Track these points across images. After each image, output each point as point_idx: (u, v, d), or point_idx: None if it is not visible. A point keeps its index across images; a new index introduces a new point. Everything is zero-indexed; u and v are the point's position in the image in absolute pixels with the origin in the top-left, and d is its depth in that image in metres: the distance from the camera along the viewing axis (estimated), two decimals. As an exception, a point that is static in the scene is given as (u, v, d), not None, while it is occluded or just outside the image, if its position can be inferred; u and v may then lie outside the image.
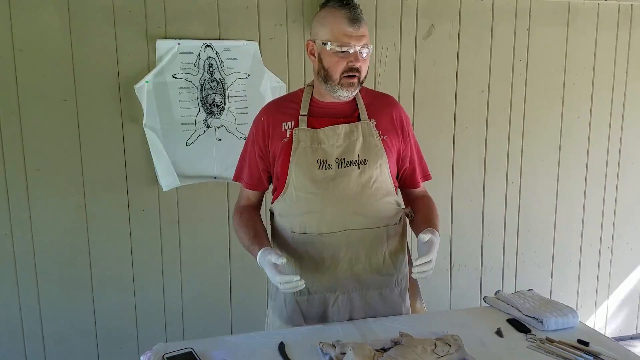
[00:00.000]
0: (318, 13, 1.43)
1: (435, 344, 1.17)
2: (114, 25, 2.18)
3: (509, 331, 1.38)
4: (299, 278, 1.31)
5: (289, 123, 1.46)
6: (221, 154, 2.34)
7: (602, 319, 3.03)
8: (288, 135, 1.44)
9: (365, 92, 1.52)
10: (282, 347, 1.28)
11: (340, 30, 1.36)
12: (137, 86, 2.19)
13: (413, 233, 1.55)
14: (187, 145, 2.32)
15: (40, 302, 2.29)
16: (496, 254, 2.81)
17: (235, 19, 2.29)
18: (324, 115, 1.46)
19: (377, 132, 1.46)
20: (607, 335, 2.84)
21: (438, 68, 2.57)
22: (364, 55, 1.39)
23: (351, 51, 1.37)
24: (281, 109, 1.50)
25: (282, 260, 1.31)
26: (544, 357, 1.24)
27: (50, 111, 2.18)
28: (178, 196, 2.37)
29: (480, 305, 1.60)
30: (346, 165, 1.43)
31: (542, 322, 1.38)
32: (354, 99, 1.48)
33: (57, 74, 2.16)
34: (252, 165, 1.53)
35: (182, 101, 2.29)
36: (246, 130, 2.31)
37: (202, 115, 2.32)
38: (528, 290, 1.60)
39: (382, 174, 1.46)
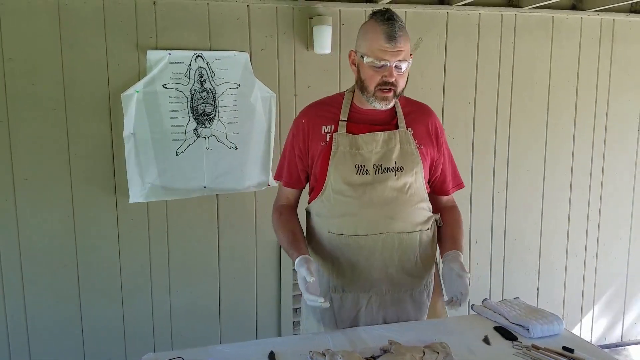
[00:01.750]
0: (363, 25, 1.48)
1: (424, 352, 1.18)
2: (105, 35, 2.19)
3: (496, 338, 1.40)
4: (323, 300, 1.34)
5: (328, 127, 1.51)
6: (211, 163, 2.35)
7: (588, 327, 3.07)
8: (328, 139, 1.49)
9: (404, 100, 1.57)
10: (272, 356, 1.28)
11: (377, 45, 1.39)
12: (124, 94, 2.20)
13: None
14: (177, 155, 2.33)
15: (26, 313, 2.27)
16: (484, 263, 2.85)
17: (226, 30, 2.31)
18: (362, 122, 1.51)
19: (413, 140, 1.51)
20: (592, 342, 2.88)
21: (425, 80, 2.61)
22: (403, 69, 1.43)
23: (387, 65, 1.40)
24: (321, 113, 1.54)
25: (310, 279, 1.35)
26: (530, 364, 1.26)
27: (39, 120, 2.18)
28: (167, 205, 2.37)
29: (468, 313, 1.62)
30: (383, 171, 1.48)
31: (528, 329, 1.40)
32: (393, 106, 1.52)
33: (47, 83, 2.16)
34: (292, 165, 1.57)
35: (172, 111, 2.30)
36: (236, 139, 2.35)
37: (192, 124, 2.33)
38: (514, 299, 1.62)
39: (417, 181, 1.51)
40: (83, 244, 2.29)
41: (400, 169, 1.49)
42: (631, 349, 3.11)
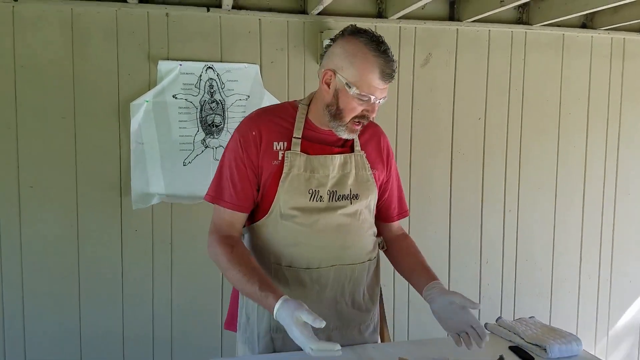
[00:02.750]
0: (347, 44, 1.27)
1: (438, 369, 1.13)
2: (117, 45, 2.19)
3: (511, 358, 1.34)
4: (339, 348, 1.10)
5: (280, 144, 1.33)
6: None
7: (603, 352, 2.98)
8: (280, 158, 1.32)
9: None
10: (278, 371, 1.23)
11: (370, 80, 1.24)
12: (133, 103, 2.19)
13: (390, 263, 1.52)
14: (184, 165, 2.31)
15: (24, 320, 2.22)
16: (495, 283, 2.78)
17: (237, 42, 2.31)
18: (318, 141, 1.37)
19: (368, 165, 1.40)
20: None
21: (435, 95, 2.59)
22: (381, 103, 1.31)
23: (372, 101, 1.27)
24: (272, 126, 1.35)
25: (321, 324, 1.10)
26: (548, 385, 1.20)
27: (48, 128, 2.17)
28: (172, 216, 2.34)
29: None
30: (338, 198, 1.36)
31: (545, 349, 1.34)
32: None
33: (57, 91, 2.16)
34: (244, 184, 1.33)
35: (181, 121, 2.29)
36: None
37: (201, 135, 2.31)
38: (530, 318, 1.56)
39: (368, 206, 1.41)
40: (85, 253, 2.26)
41: (356, 197, 1.37)
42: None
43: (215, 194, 1.35)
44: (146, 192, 2.25)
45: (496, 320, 1.53)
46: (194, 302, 2.39)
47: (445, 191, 2.65)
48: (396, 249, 1.51)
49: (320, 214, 1.34)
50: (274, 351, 1.36)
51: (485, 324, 1.54)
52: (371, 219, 1.44)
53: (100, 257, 2.28)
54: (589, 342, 2.93)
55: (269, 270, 1.35)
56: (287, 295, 1.19)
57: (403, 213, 1.55)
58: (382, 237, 1.52)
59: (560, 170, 2.81)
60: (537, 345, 1.37)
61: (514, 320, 1.53)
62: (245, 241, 1.41)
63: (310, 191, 1.33)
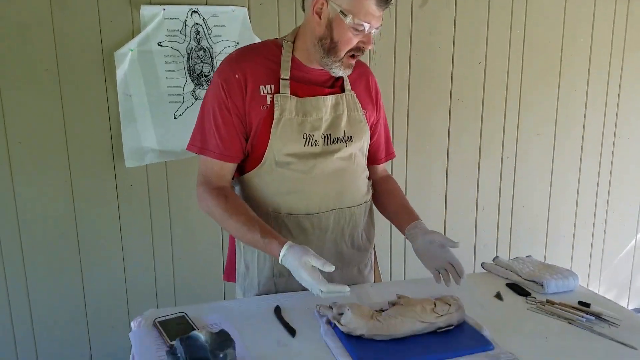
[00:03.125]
0: None
1: (435, 304, 1.13)
2: (97, -10, 2.09)
3: (509, 295, 1.35)
4: (348, 289, 1.11)
5: (267, 87, 1.25)
6: (211, 126, 2.27)
7: (595, 295, 3.03)
8: (269, 102, 1.25)
9: None
10: (278, 311, 1.23)
11: (367, 6, 1.17)
12: (117, 52, 2.11)
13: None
14: (175, 118, 2.25)
15: (26, 279, 2.22)
16: (490, 230, 2.79)
17: (224, -16, 2.21)
18: (307, 82, 1.29)
19: (359, 105, 1.36)
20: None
21: (434, 38, 2.51)
22: (375, 34, 1.24)
23: (367, 31, 1.21)
24: (257, 67, 1.26)
25: (330, 268, 1.09)
26: (544, 319, 1.21)
27: (31, 81, 2.09)
28: (167, 170, 2.30)
29: (474, 271, 1.56)
30: (333, 142, 1.32)
31: (542, 285, 1.35)
32: None
33: (38, 43, 2.07)
34: (229, 132, 1.26)
35: (168, 71, 2.21)
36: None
37: (190, 86, 2.24)
38: (527, 257, 1.57)
39: (362, 149, 1.39)
40: (82, 210, 2.23)
41: (350, 139, 1.34)
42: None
43: (201, 145, 1.28)
44: (138, 148, 2.20)
45: (493, 260, 1.53)
46: (194, 254, 2.39)
47: (444, 137, 2.61)
48: (380, 191, 1.50)
49: (317, 159, 1.30)
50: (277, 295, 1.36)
51: (482, 264, 1.54)
52: (364, 162, 1.43)
53: (96, 212, 2.25)
54: (581, 284, 2.98)
55: (268, 219, 1.32)
56: (291, 241, 1.18)
57: (390, 155, 1.53)
58: (370, 181, 1.50)
59: (560, 115, 2.77)
60: (534, 281, 1.37)
61: (511, 259, 1.53)
62: (244, 191, 1.37)
63: (305, 136, 1.28)
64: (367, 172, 1.45)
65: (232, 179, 1.36)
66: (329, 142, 1.32)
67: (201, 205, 1.30)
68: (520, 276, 1.41)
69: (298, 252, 1.14)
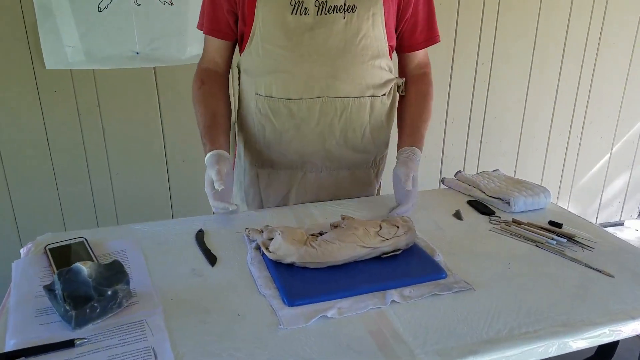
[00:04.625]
0: None
1: (381, 226, 0.96)
2: None
3: (470, 213, 1.19)
4: (234, 207, 1.11)
5: None
6: (142, 23, 1.95)
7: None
8: None
9: None
10: (200, 235, 1.05)
11: None
12: None
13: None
14: (100, 11, 1.92)
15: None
16: (459, 143, 2.62)
17: None
18: None
19: None
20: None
21: None
22: None
23: None
24: None
25: (219, 187, 1.06)
26: (508, 241, 1.06)
27: None
28: (95, 76, 2.01)
29: (439, 187, 1.40)
30: (328, 11, 1.11)
31: (508, 202, 1.19)
32: None
33: None
34: (215, 6, 1.18)
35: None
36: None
37: (117, -27, 1.90)
38: (494, 171, 1.40)
39: (375, 27, 1.14)
40: (2, 120, 1.96)
41: (352, 8, 1.11)
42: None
43: (200, 20, 1.24)
44: (59, 46, 1.89)
45: (455, 175, 1.36)
46: (134, 171, 2.17)
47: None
48: (405, 95, 1.28)
49: (305, 34, 1.11)
50: (259, 189, 1.30)
51: (443, 179, 1.37)
52: (381, 46, 1.17)
53: (19, 121, 1.99)
54: (552, 197, 2.90)
55: (252, 102, 1.21)
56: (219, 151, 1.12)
57: (432, 38, 1.26)
58: (403, 80, 1.27)
59: (542, 18, 2.50)
60: (499, 198, 1.21)
61: (475, 174, 1.36)
62: (241, 75, 1.27)
63: (293, 2, 1.10)
64: (385, 61, 1.20)
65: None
66: (322, 11, 1.11)
67: (192, 88, 1.26)
68: (485, 192, 1.25)
69: (210, 161, 1.11)
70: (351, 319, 0.79)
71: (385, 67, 1.21)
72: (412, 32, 1.24)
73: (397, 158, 1.21)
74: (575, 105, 2.75)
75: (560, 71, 2.65)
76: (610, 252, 1.01)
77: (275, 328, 0.76)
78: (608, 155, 2.94)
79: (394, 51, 1.27)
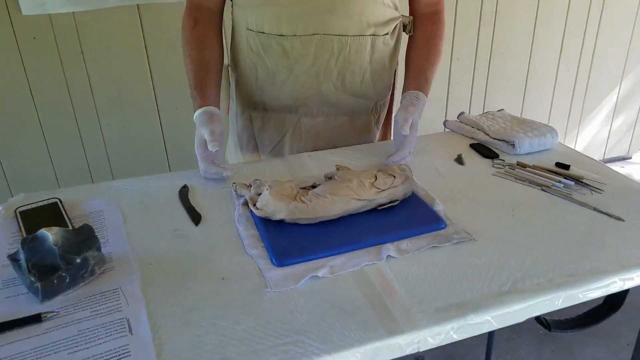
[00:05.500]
0: None
1: (376, 176, 0.89)
2: None
3: (472, 157, 1.11)
4: (229, 174, 1.02)
5: None
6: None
7: (572, 142, 2.88)
8: None
9: None
10: (184, 192, 0.99)
11: None
12: None
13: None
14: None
15: None
16: (465, 81, 2.50)
17: None
18: None
19: None
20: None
21: None
22: None
23: None
24: None
25: (214, 148, 0.97)
26: (513, 186, 0.99)
27: None
28: (76, 19, 1.89)
29: (444, 130, 1.31)
30: None
31: (513, 144, 1.11)
32: None
33: None
34: None
35: None
36: None
37: None
38: (498, 111, 1.31)
39: None
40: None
41: None
42: (612, 165, 2.97)
43: None
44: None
45: (457, 117, 1.27)
46: (126, 121, 2.09)
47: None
48: (414, 36, 1.18)
49: None
50: (253, 133, 1.23)
51: (445, 122, 1.28)
52: None
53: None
54: (559, 134, 2.81)
55: (243, 38, 1.11)
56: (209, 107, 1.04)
57: None
58: (411, 18, 1.17)
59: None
60: (503, 140, 1.13)
61: (479, 115, 1.27)
62: (232, 7, 1.16)
63: None
64: None
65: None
66: None
67: (182, 27, 1.13)
68: (488, 134, 1.16)
69: (202, 120, 1.02)
70: (344, 278, 0.74)
71: (389, 4, 1.10)
72: None
73: (401, 102, 1.12)
74: (584, 38, 2.60)
75: (569, 3, 2.48)
76: (620, 194, 0.95)
77: (262, 291, 0.71)
78: (617, 89, 2.81)
79: None
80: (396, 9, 1.13)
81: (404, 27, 1.18)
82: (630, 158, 3.07)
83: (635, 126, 2.98)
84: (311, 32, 1.06)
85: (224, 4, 1.15)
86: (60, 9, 1.83)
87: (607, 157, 3.02)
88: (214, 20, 1.13)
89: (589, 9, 2.53)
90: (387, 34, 1.12)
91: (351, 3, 1.04)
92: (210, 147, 0.97)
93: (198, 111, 1.04)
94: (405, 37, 1.20)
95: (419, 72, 1.14)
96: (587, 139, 2.91)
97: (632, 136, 3.01)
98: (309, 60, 1.09)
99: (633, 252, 0.78)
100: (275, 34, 1.07)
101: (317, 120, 1.19)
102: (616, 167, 2.95)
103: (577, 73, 2.68)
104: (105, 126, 2.08)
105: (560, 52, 2.60)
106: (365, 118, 1.22)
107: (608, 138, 2.95)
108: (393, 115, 1.27)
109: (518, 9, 2.41)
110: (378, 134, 1.28)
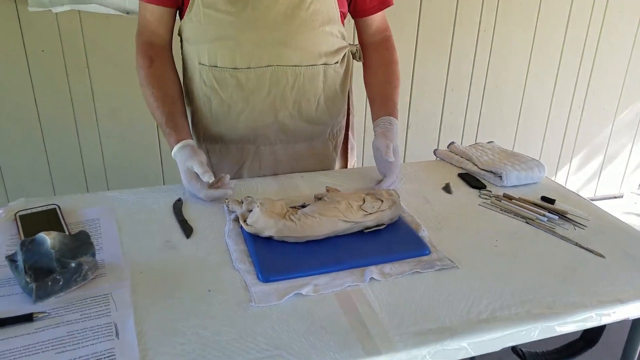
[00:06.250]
0: None
1: (364, 200, 0.92)
2: None
3: (460, 187, 1.15)
4: (232, 193, 1.04)
5: None
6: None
7: (563, 179, 2.92)
8: None
9: None
10: (178, 205, 1.01)
11: None
12: None
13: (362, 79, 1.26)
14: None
15: None
16: (458, 112, 2.56)
17: None
18: None
19: None
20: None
21: None
22: None
23: None
24: None
25: (210, 178, 1.00)
26: (498, 217, 1.02)
27: None
28: (84, 34, 1.94)
29: (436, 158, 1.35)
30: None
31: (500, 176, 1.14)
32: None
33: None
34: None
35: None
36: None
37: None
38: (488, 143, 1.35)
39: None
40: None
41: None
42: (601, 203, 3.01)
43: None
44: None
45: (447, 146, 1.31)
46: (125, 134, 2.12)
47: (414, 6, 2.26)
48: (368, 62, 1.24)
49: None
50: (211, 165, 1.23)
51: (435, 151, 1.32)
52: (332, 12, 1.12)
53: (6, 81, 1.93)
54: (550, 171, 2.86)
55: (196, 72, 1.14)
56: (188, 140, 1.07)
57: (385, 2, 1.21)
58: (357, 46, 1.23)
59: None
60: (491, 172, 1.17)
61: (469, 145, 1.31)
62: (182, 43, 1.18)
63: None
64: (338, 29, 1.15)
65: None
66: None
67: (136, 63, 1.15)
68: (477, 165, 1.20)
69: (186, 154, 1.04)
70: (326, 297, 0.76)
71: (337, 34, 1.15)
72: None
73: (375, 130, 1.17)
74: (578, 75, 2.67)
75: (564, 39, 2.55)
76: (603, 231, 0.98)
77: (247, 305, 0.73)
78: (610, 127, 2.87)
79: (346, 18, 1.21)
80: (344, 38, 1.18)
81: (353, 55, 1.24)
82: (621, 197, 3.12)
83: (627, 165, 3.03)
84: (265, 64, 1.10)
85: (172, 38, 1.17)
86: (65, 7, 1.87)
87: (598, 194, 3.06)
88: (167, 56, 1.15)
89: (584, 46, 2.60)
90: (337, 62, 1.18)
91: (303, 35, 1.09)
92: (205, 179, 0.99)
93: (177, 146, 1.06)
94: (355, 64, 1.26)
95: (385, 98, 1.20)
96: (579, 175, 2.96)
97: (624, 175, 3.06)
98: (264, 91, 1.13)
99: (611, 289, 0.81)
100: (229, 67, 1.10)
101: (275, 148, 1.23)
102: (607, 204, 2.99)
103: (570, 109, 2.74)
104: (104, 139, 2.11)
105: (554, 88, 2.66)
106: (323, 144, 1.27)
107: (600, 176, 3.00)
108: (350, 139, 1.34)
109: (513, 44, 2.48)
110: (338, 160, 1.32)
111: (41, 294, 0.69)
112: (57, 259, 0.71)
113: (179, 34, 1.18)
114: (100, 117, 2.08)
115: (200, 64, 1.13)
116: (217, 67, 1.11)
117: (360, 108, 1.25)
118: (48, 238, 0.72)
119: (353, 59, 1.25)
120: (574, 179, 2.95)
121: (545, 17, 2.46)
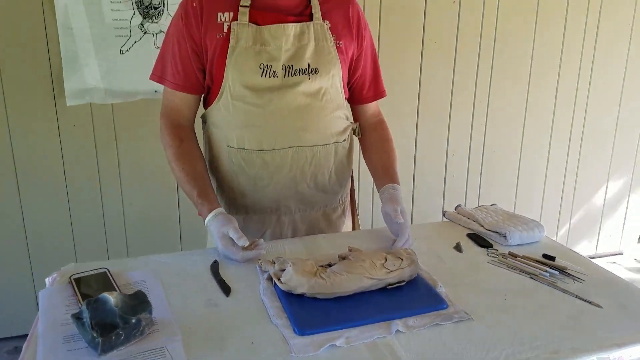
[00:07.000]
0: None
1: (386, 258, 1.02)
2: None
3: (469, 246, 1.25)
4: (264, 253, 1.14)
5: (226, 14, 1.19)
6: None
7: (564, 240, 3.02)
8: (225, 30, 1.19)
9: None
10: (215, 266, 1.11)
11: None
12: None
13: (361, 151, 1.44)
14: (122, 54, 2.05)
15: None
16: (460, 176, 2.70)
17: None
18: (269, 9, 1.21)
19: (331, 36, 1.24)
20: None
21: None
22: None
23: None
24: None
25: (245, 243, 1.11)
26: (505, 273, 1.12)
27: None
28: (114, 111, 2.12)
29: (442, 220, 1.46)
30: (294, 74, 1.22)
31: (505, 236, 1.25)
32: None
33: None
34: (184, 61, 1.22)
35: (113, 2, 1.98)
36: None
37: (138, 19, 2.03)
38: (491, 205, 1.47)
39: (334, 85, 1.27)
40: (21, 153, 2.06)
41: (315, 71, 1.22)
42: (602, 260, 3.09)
43: (161, 74, 1.26)
44: (82, 86, 2.02)
45: (455, 208, 1.43)
46: (147, 200, 2.25)
47: (414, 80, 2.46)
48: (367, 141, 1.41)
49: (274, 92, 1.21)
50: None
51: (444, 212, 1.44)
52: (340, 100, 1.30)
53: (37, 154, 2.08)
54: (551, 231, 2.96)
55: (224, 153, 1.28)
56: (220, 209, 1.18)
57: (379, 93, 1.40)
58: (357, 124, 1.40)
59: (536, 59, 2.62)
60: (496, 232, 1.28)
61: (474, 208, 1.43)
62: (207, 126, 1.32)
63: (262, 66, 1.20)
64: (345, 112, 1.34)
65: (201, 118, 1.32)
66: (289, 74, 1.22)
67: (160, 137, 1.29)
68: (483, 226, 1.31)
69: (220, 221, 1.15)
70: (358, 348, 0.85)
71: (344, 116, 1.34)
72: (361, 89, 1.37)
73: (381, 198, 1.30)
74: (570, 140, 2.84)
75: (555, 106, 2.75)
76: (600, 284, 1.07)
77: (288, 356, 0.82)
78: (604, 188, 3.01)
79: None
80: (347, 119, 1.37)
81: (354, 132, 1.41)
82: (621, 254, 3.20)
83: (624, 223, 3.14)
84: (287, 146, 1.25)
85: (194, 119, 1.32)
86: (101, 101, 2.06)
87: (599, 252, 3.14)
88: (193, 136, 1.30)
89: (573, 116, 2.79)
90: (345, 140, 1.35)
91: (318, 121, 1.26)
92: (241, 243, 1.10)
93: (210, 214, 1.17)
94: (355, 139, 1.43)
95: (387, 169, 1.35)
96: (579, 234, 3.06)
97: (622, 232, 3.16)
98: (287, 168, 1.28)
99: (609, 335, 0.90)
100: (256, 149, 1.25)
101: (294, 217, 1.36)
102: (607, 262, 3.07)
103: (565, 172, 2.89)
104: (127, 205, 2.24)
105: (549, 153, 2.82)
106: (334, 209, 1.41)
107: (599, 234, 3.10)
108: (357, 202, 1.51)
109: (507, 113, 2.67)
110: (346, 222, 1.45)
111: (106, 348, 0.78)
112: (120, 315, 0.80)
113: (203, 118, 1.33)
114: (125, 186, 2.21)
115: (228, 146, 1.27)
116: (244, 149, 1.26)
117: (367, 174, 1.40)
118: (111, 297, 0.82)
119: (354, 134, 1.41)
120: (574, 238, 3.05)
121: (536, 90, 2.67)
